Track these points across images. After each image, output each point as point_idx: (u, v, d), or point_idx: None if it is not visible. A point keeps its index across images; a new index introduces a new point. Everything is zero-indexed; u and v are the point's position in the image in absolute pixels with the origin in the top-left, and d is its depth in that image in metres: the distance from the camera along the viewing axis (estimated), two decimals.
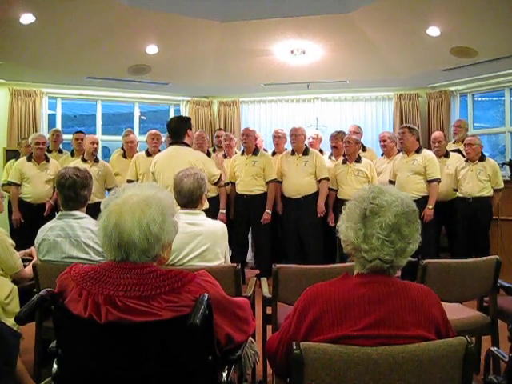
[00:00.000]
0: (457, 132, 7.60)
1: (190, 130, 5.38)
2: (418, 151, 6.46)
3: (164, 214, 1.91)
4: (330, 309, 1.83)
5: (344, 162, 6.83)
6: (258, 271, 7.05)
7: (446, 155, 6.95)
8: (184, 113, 10.30)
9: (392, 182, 6.52)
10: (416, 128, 6.67)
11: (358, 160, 6.76)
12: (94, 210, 3.46)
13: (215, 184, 5.55)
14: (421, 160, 6.37)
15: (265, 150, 7.82)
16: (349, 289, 1.87)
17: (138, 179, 6.71)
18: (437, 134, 7.16)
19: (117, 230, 1.85)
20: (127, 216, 1.85)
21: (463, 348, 1.76)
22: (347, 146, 6.77)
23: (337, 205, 6.36)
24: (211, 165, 5.43)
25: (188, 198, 3.46)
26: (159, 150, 6.88)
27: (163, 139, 7.50)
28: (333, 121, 10.00)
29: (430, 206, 6.25)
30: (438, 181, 6.35)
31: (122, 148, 7.65)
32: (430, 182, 6.33)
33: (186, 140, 5.29)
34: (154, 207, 1.89)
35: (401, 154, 6.69)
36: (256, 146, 7.17)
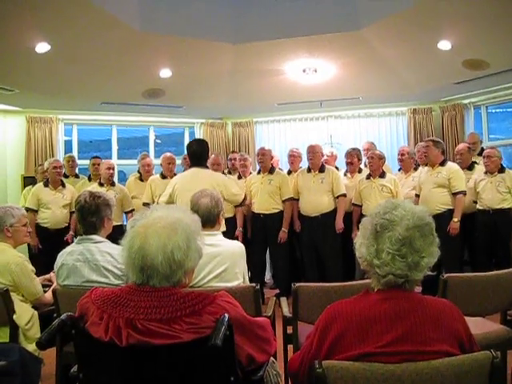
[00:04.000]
0: (474, 148, 7.52)
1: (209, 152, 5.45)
2: (442, 164, 6.40)
3: (189, 241, 1.90)
4: (351, 326, 1.82)
5: (368, 178, 6.80)
6: (277, 291, 7.03)
7: (470, 168, 6.87)
8: (198, 135, 10.37)
9: (418, 196, 6.51)
10: (441, 141, 6.63)
11: (382, 175, 6.72)
12: (111, 234, 3.51)
13: (240, 205, 5.56)
14: (445, 173, 6.31)
15: (280, 169, 7.82)
16: (369, 305, 1.86)
17: (153, 201, 6.73)
18: (460, 146, 7.11)
19: (141, 253, 1.85)
20: (152, 240, 1.85)
21: (489, 363, 1.73)
22: (371, 162, 6.76)
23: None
24: (233, 184, 5.45)
25: (206, 217, 3.47)
26: (174, 174, 6.93)
27: (178, 161, 7.55)
28: (347, 138, 9.99)
29: (456, 219, 6.15)
30: (464, 193, 6.25)
31: (139, 171, 7.70)
32: (454, 194, 6.24)
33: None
34: (179, 233, 1.88)
35: (426, 167, 6.63)
36: (272, 165, 7.19)
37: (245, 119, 10.54)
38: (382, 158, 6.82)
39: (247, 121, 10.54)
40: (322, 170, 6.91)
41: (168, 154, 7.34)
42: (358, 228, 6.60)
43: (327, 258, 6.77)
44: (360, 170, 7.37)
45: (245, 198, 5.43)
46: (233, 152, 8.83)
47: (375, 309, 1.84)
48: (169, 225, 1.89)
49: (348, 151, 7.45)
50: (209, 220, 3.51)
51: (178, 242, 1.86)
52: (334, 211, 6.78)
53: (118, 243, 3.18)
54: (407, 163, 7.29)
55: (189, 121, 10.60)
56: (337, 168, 7.60)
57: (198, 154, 5.41)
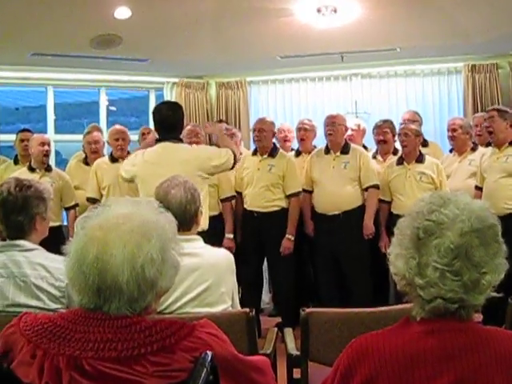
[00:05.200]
0: None
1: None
2: None
3: (165, 251, 1.88)
4: (385, 369, 1.82)
5: (400, 163, 6.75)
6: (278, 319, 7.03)
7: None
8: (170, 99, 10.23)
9: (479, 189, 6.48)
10: (509, 110, 6.55)
11: (420, 159, 6.68)
12: (47, 238, 3.50)
13: (232, 167, 5.52)
14: None
15: (293, 150, 7.78)
16: (410, 340, 1.86)
17: (101, 196, 6.70)
18: None
19: (98, 266, 1.81)
20: (115, 249, 1.82)
21: None
22: (405, 140, 6.68)
23: (391, 223, 6.26)
24: (216, 152, 5.41)
25: (180, 217, 3.43)
26: (128, 153, 6.89)
27: (134, 137, 7.52)
28: (378, 105, 10.06)
29: None
30: None
31: (85, 151, 7.67)
32: None
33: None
34: (154, 241, 1.86)
35: (490, 148, 6.60)
36: (274, 144, 7.13)
37: (234, 78, 10.56)
38: (419, 134, 6.81)
39: (238, 80, 10.55)
40: (345, 150, 6.85)
41: (116, 127, 7.27)
42: (386, 233, 6.60)
43: (351, 273, 6.75)
44: (396, 151, 7.32)
45: (235, 157, 5.39)
46: (220, 122, 8.81)
47: (418, 345, 1.84)
48: (138, 228, 1.87)
49: (378, 124, 7.44)
50: (183, 221, 3.50)
51: (151, 254, 1.83)
52: (362, 208, 6.76)
53: (55, 252, 3.19)
54: (461, 141, 7.21)
55: (156, 80, 10.62)
56: (365, 147, 7.60)
57: (169, 122, 5.37)
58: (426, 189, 6.39)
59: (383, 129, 7.33)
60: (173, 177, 3.73)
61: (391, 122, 7.48)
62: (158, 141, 5.50)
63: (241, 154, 7.36)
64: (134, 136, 7.76)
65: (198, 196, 3.65)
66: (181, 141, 5.40)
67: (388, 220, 6.65)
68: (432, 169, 6.63)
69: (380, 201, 6.85)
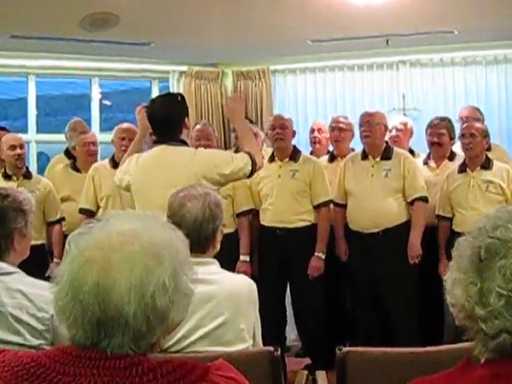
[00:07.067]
0: None
1: (187, 117, 5.34)
2: None
3: (177, 276, 1.85)
4: None
5: (463, 170, 6.70)
6: (307, 360, 7.01)
7: None
8: (177, 91, 10.17)
9: None
10: None
11: (487, 165, 6.64)
12: (27, 259, 3.51)
13: (250, 175, 5.42)
14: None
15: (329, 152, 7.76)
16: None
17: (98, 207, 6.69)
18: None
19: (98, 295, 1.77)
20: (120, 273, 1.77)
21: None
22: (469, 143, 6.62)
23: (452, 242, 6.10)
24: (226, 157, 5.31)
25: (194, 237, 3.42)
26: None
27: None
28: (431, 100, 10.05)
29: None
30: None
31: (70, 153, 7.65)
32: None
33: (183, 136, 5.25)
34: (166, 264, 1.82)
35: None
36: (294, 146, 7.11)
37: (255, 66, 10.59)
38: (486, 135, 6.76)
39: (259, 69, 10.58)
40: (386, 155, 6.83)
41: (124, 125, 7.22)
42: (447, 256, 6.56)
43: (393, 305, 6.69)
44: (452, 157, 7.31)
45: (254, 165, 5.22)
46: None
47: None
48: (148, 248, 1.83)
49: (434, 123, 7.39)
50: (197, 241, 3.48)
51: (163, 280, 1.79)
52: (407, 225, 6.73)
53: (37, 276, 3.21)
54: None
55: (160, 68, 10.67)
56: (411, 152, 7.56)
57: (165, 121, 5.24)
58: (494, 201, 6.39)
59: (439, 129, 7.26)
60: (192, 186, 3.73)
61: (449, 121, 7.42)
62: (154, 143, 5.40)
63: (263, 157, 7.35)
64: None
65: (219, 213, 3.63)
66: (183, 143, 5.27)
67: (449, 240, 6.52)
68: (501, 176, 6.60)
69: (439, 217, 6.82)
